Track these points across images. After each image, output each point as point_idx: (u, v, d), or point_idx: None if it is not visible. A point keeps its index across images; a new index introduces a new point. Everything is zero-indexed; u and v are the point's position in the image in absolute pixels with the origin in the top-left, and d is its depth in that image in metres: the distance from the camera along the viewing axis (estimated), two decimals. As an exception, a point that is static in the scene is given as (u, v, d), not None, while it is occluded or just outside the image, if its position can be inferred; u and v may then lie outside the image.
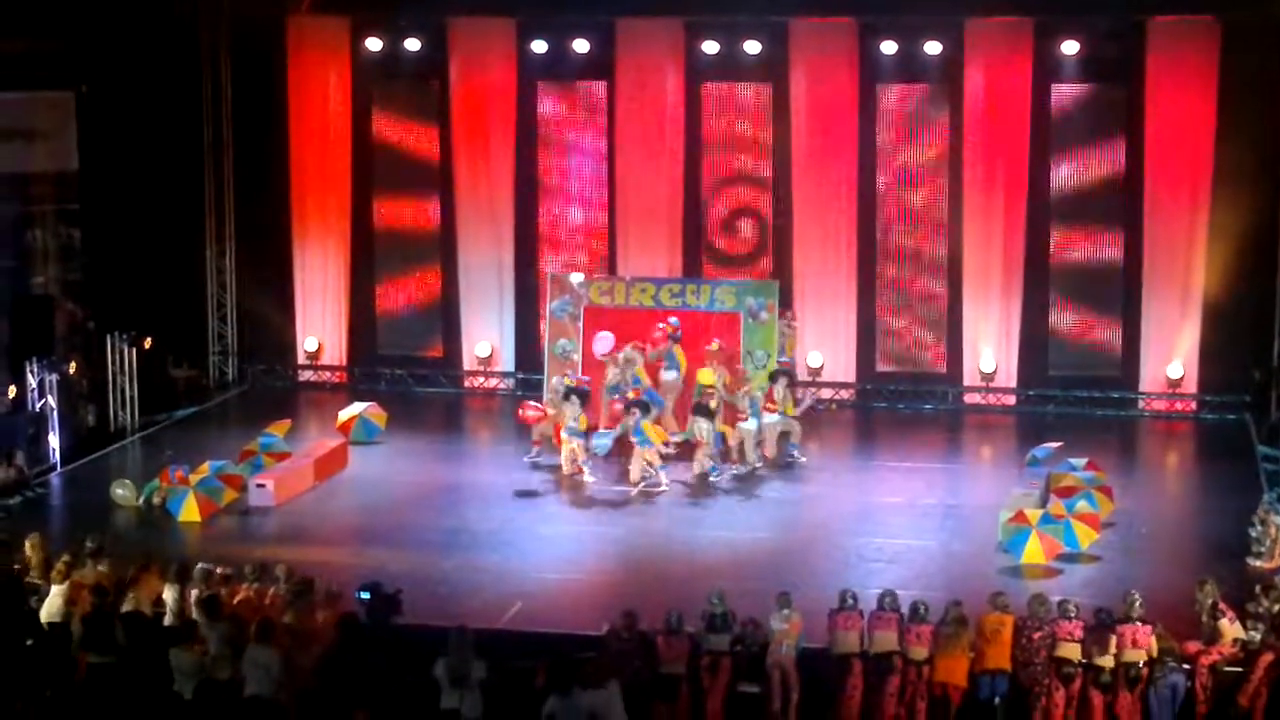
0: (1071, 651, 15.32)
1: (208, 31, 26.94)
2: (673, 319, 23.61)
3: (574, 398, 22.22)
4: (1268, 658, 15.31)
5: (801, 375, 25.23)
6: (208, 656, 14.83)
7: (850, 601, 15.76)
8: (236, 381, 27.93)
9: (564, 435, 22.11)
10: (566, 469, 22.06)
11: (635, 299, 24.28)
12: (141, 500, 21.00)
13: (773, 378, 22.72)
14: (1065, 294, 25.95)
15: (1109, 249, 25.72)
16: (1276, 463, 22.13)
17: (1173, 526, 20.88)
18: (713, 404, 22.28)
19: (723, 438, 22.44)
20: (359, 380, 27.55)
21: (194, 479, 20.74)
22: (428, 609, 16.37)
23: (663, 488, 21.57)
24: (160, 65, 26.21)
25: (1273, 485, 21.00)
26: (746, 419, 22.35)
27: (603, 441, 22.05)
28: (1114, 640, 15.26)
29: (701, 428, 21.97)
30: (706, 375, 22.83)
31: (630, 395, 22.45)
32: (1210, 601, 15.68)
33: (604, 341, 23.54)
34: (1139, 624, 15.29)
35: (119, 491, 21.10)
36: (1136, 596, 15.51)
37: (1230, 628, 15.49)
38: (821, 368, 26.07)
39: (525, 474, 22.40)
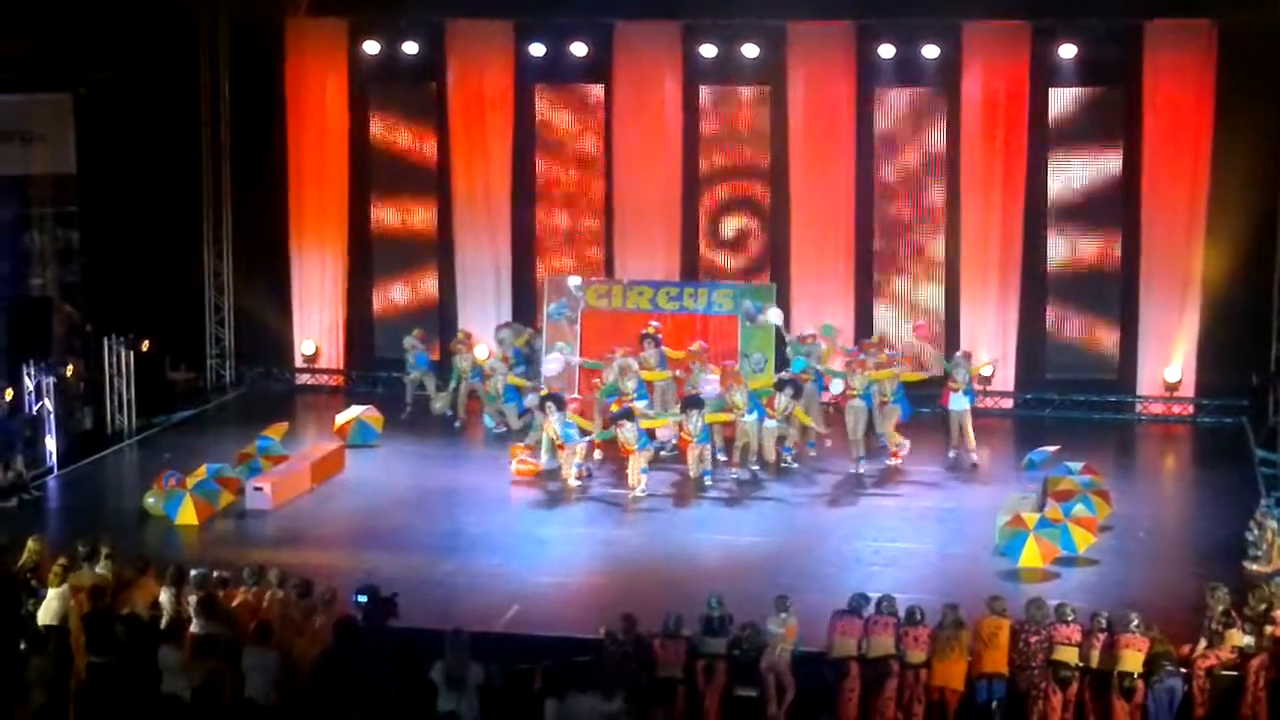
0: (1069, 655, 15.33)
1: (206, 34, 26.91)
2: (653, 322, 23.57)
3: (550, 405, 21.97)
4: (1260, 659, 15.31)
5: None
6: (194, 660, 14.80)
7: (857, 605, 15.74)
8: (234, 384, 27.88)
9: (564, 444, 21.88)
10: (565, 472, 21.96)
11: (633, 302, 24.29)
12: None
13: (779, 385, 22.57)
14: (1063, 297, 25.95)
15: (1107, 252, 25.71)
16: (1274, 467, 22.12)
17: (1170, 530, 20.87)
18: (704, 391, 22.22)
19: (710, 430, 22.28)
20: (356, 383, 27.52)
21: (191, 482, 20.70)
22: (424, 612, 16.31)
23: (640, 493, 21.39)
24: (159, 68, 26.24)
25: (1270, 489, 20.99)
26: (744, 413, 22.16)
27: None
28: (1112, 646, 15.27)
29: (693, 420, 21.82)
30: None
31: (614, 407, 22.30)
32: (1221, 608, 15.63)
33: (555, 363, 23.43)
34: (1136, 633, 15.28)
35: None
36: (1134, 616, 15.45)
37: (1236, 635, 15.46)
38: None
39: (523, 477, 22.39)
